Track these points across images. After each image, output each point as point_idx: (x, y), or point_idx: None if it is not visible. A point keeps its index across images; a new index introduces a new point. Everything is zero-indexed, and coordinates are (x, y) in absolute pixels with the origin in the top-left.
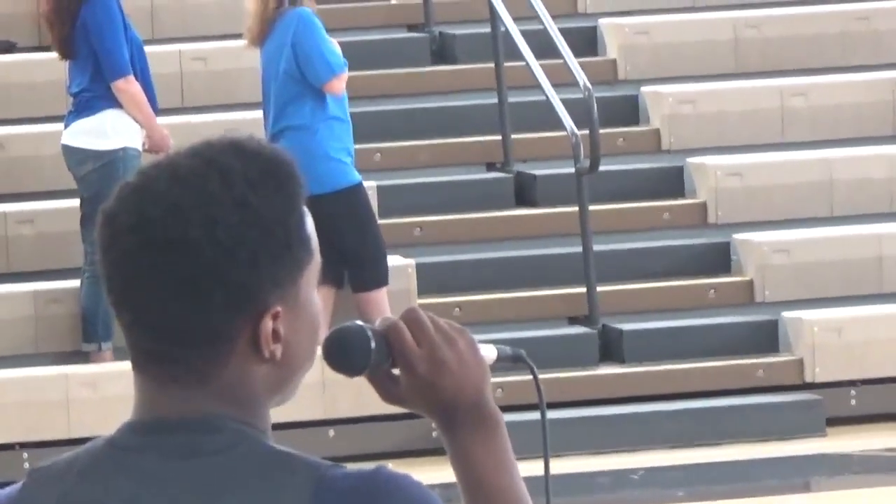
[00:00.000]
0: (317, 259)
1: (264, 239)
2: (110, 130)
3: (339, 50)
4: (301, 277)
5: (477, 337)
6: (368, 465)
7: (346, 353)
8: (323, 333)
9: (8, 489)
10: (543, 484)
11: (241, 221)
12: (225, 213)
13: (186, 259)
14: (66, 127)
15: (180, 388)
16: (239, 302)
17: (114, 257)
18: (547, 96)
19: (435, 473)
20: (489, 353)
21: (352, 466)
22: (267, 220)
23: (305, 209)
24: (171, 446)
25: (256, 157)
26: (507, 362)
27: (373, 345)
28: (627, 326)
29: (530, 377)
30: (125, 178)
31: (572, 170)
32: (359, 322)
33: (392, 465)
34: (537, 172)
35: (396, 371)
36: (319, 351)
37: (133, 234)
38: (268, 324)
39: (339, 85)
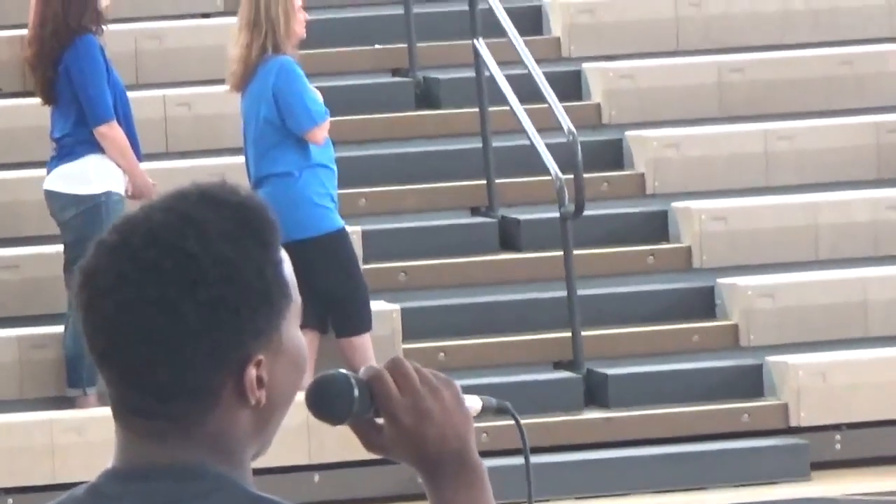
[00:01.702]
0: (296, 300)
1: (244, 293)
2: (93, 175)
3: (320, 98)
4: (282, 322)
5: (462, 382)
6: None
7: (328, 402)
8: (307, 378)
9: None
10: None
11: (220, 279)
12: (204, 272)
13: (167, 320)
14: (48, 172)
15: (163, 439)
16: (222, 357)
17: (94, 318)
18: (531, 141)
19: None
20: (474, 403)
21: None
22: (245, 273)
23: (282, 253)
24: (151, 493)
25: (229, 207)
26: (492, 413)
27: (356, 393)
28: (612, 371)
29: (512, 422)
30: (105, 228)
31: (557, 214)
32: (342, 370)
33: None
34: (522, 217)
35: (380, 420)
36: (304, 397)
37: (112, 296)
38: (251, 373)
39: (320, 134)
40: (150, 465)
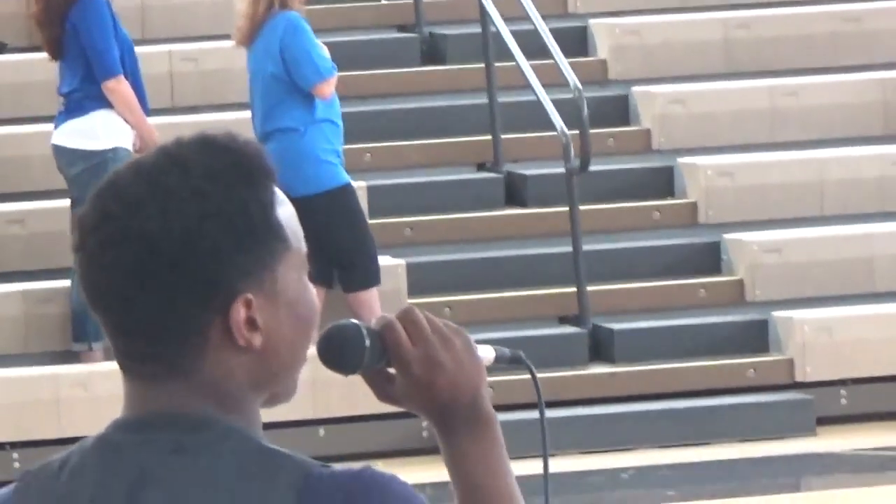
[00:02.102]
0: (296, 247)
1: (224, 228)
2: (101, 131)
3: (327, 54)
4: (277, 264)
5: (470, 337)
6: (356, 465)
7: (340, 352)
8: (316, 334)
9: (0, 492)
10: (536, 483)
11: (198, 212)
12: (180, 204)
13: (144, 253)
14: (56, 127)
15: (163, 385)
16: (203, 293)
17: (82, 259)
18: (537, 96)
19: (426, 473)
20: (486, 353)
21: (340, 466)
22: (226, 209)
23: (278, 198)
24: (158, 443)
25: (223, 151)
26: (505, 363)
27: (367, 343)
28: (617, 326)
29: (521, 377)
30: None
31: (562, 170)
32: (354, 320)
33: (383, 465)
34: (527, 172)
35: (392, 370)
36: (312, 349)
37: (96, 233)
38: (239, 311)
39: (327, 89)
40: (156, 415)
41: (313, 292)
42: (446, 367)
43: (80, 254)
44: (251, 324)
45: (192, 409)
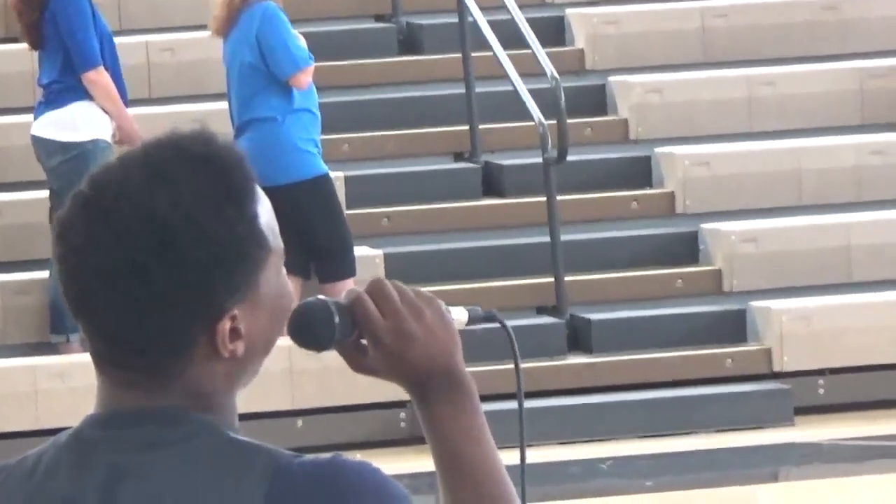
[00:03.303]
0: (277, 248)
1: (215, 255)
2: (80, 122)
3: (304, 44)
4: (260, 274)
5: (442, 303)
6: (326, 454)
7: (309, 330)
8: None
9: None
10: (513, 472)
11: (190, 242)
12: (173, 235)
13: (136, 283)
14: (35, 118)
15: (140, 387)
16: (193, 316)
17: (66, 273)
18: (514, 86)
19: (404, 464)
20: (460, 315)
21: (311, 456)
22: (217, 235)
23: (258, 202)
24: (133, 439)
25: (204, 165)
26: (480, 322)
27: (336, 319)
28: (595, 316)
29: (499, 367)
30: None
31: (540, 160)
32: (321, 297)
33: (361, 456)
34: (505, 162)
35: (364, 341)
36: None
37: (83, 256)
38: (224, 326)
39: (303, 79)
40: (130, 411)
41: (288, 282)
42: (418, 337)
43: (63, 266)
44: (235, 333)
45: (166, 405)
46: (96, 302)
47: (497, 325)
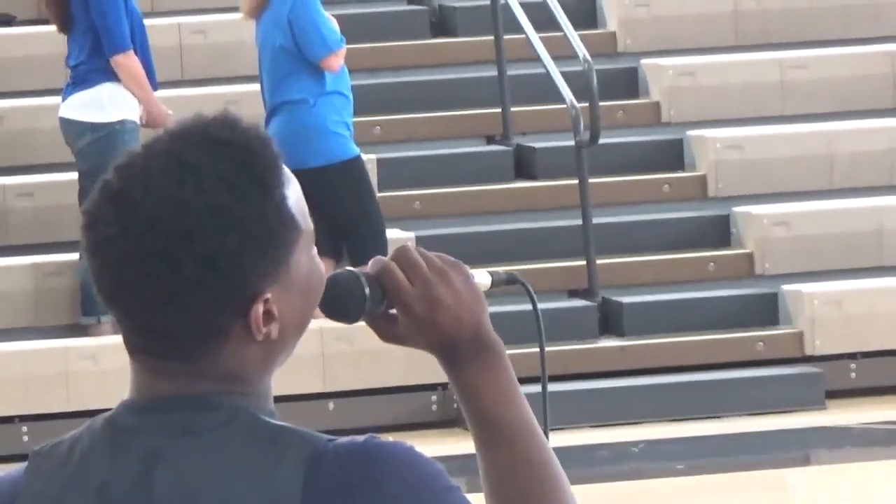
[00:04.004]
0: (307, 229)
1: (244, 240)
2: (108, 103)
3: (336, 26)
4: (291, 256)
5: (467, 267)
6: (359, 437)
7: (340, 303)
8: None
9: (10, 473)
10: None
11: (218, 228)
12: (201, 223)
13: (166, 271)
14: (63, 100)
15: (175, 373)
16: (225, 301)
17: (97, 264)
18: (546, 69)
19: (435, 446)
20: (483, 279)
21: (344, 438)
22: (245, 220)
23: (287, 184)
24: (168, 425)
25: (229, 150)
26: (503, 285)
27: (367, 291)
28: (627, 299)
29: (521, 350)
30: (118, 157)
31: (572, 142)
32: (350, 268)
33: (392, 438)
34: (537, 145)
35: (393, 311)
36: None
37: (112, 246)
38: (258, 310)
39: (335, 61)
40: (165, 397)
41: (320, 263)
42: (446, 302)
43: (93, 257)
44: (268, 316)
45: (201, 391)
46: (127, 292)
47: (517, 284)
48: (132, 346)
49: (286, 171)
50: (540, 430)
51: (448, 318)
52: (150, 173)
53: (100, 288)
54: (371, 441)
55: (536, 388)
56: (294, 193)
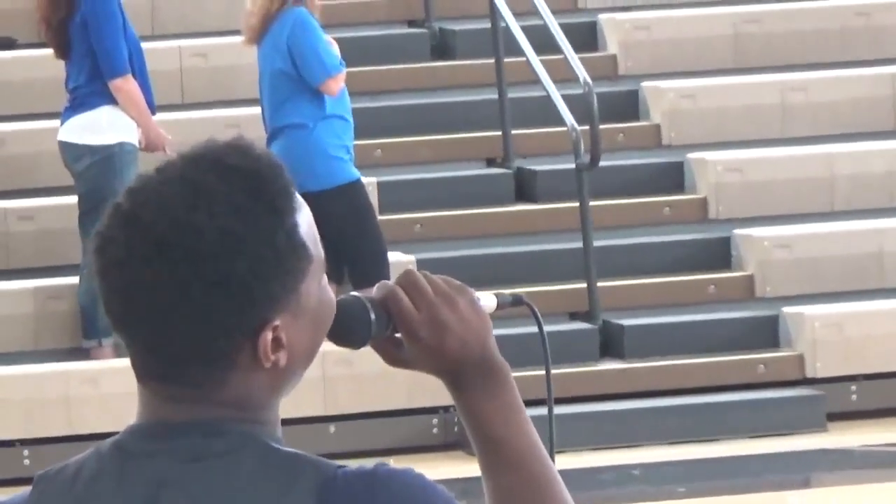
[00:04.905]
0: (318, 257)
1: (254, 265)
2: (106, 126)
3: (336, 50)
4: (301, 284)
5: (472, 290)
6: (370, 462)
7: (347, 329)
8: None
9: (14, 497)
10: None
11: (228, 254)
12: (211, 247)
13: (176, 295)
14: (62, 123)
15: (183, 398)
16: (234, 328)
17: (107, 286)
18: (547, 92)
19: (436, 470)
20: (489, 302)
21: (354, 464)
22: (255, 244)
23: (299, 211)
24: (177, 450)
25: (241, 176)
26: (508, 307)
27: (372, 316)
28: (628, 322)
29: (526, 373)
30: (119, 179)
31: (572, 165)
32: (355, 293)
33: (393, 462)
34: (537, 168)
35: (399, 335)
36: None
37: (123, 269)
38: (266, 337)
39: (334, 85)
40: (173, 422)
41: (330, 291)
42: (452, 326)
43: (103, 280)
44: (277, 343)
45: (209, 417)
46: (137, 315)
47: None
48: (140, 371)
49: (298, 198)
50: (546, 453)
51: (454, 343)
52: (162, 197)
53: (109, 310)
54: (381, 468)
55: (539, 410)
56: (305, 221)
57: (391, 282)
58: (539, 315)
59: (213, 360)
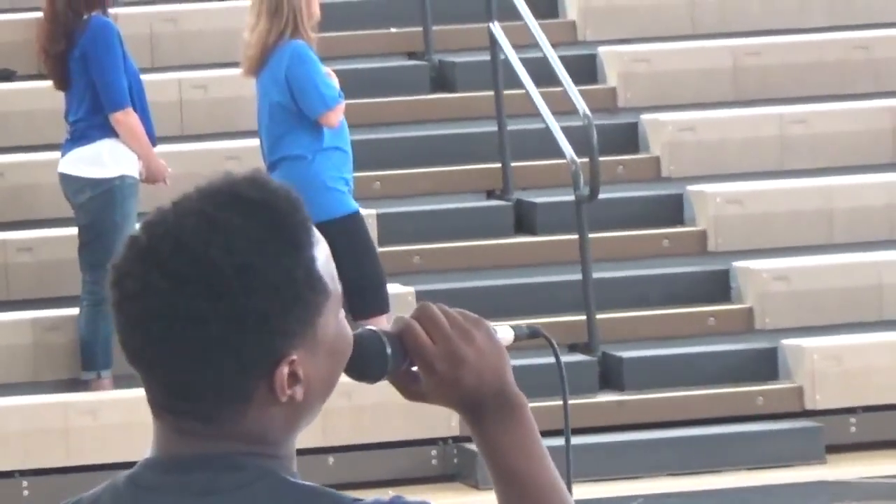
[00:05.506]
0: (336, 291)
1: (271, 300)
2: (107, 159)
3: (335, 82)
4: (318, 318)
5: (488, 323)
6: (386, 495)
7: (363, 364)
8: None
9: None
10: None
11: (246, 289)
12: (228, 282)
13: (192, 330)
14: (62, 156)
15: (197, 433)
16: (250, 362)
17: (122, 320)
18: (547, 124)
19: (436, 502)
20: (506, 334)
21: (371, 498)
22: (272, 280)
23: (317, 245)
24: (191, 484)
25: (258, 210)
26: (525, 339)
27: (389, 350)
28: (627, 354)
29: (536, 404)
30: (119, 211)
31: (572, 197)
32: (371, 328)
33: (392, 493)
34: (537, 200)
35: (415, 368)
36: None
37: (139, 303)
38: (283, 371)
39: (333, 117)
40: (188, 456)
41: (347, 326)
42: (469, 360)
43: (119, 313)
44: (293, 378)
45: (224, 451)
46: (151, 349)
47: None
48: (155, 404)
49: (315, 232)
50: (563, 484)
51: (471, 376)
52: (179, 231)
53: (124, 344)
54: (398, 501)
55: (549, 441)
56: (323, 254)
57: (407, 315)
58: (556, 347)
59: (229, 395)
